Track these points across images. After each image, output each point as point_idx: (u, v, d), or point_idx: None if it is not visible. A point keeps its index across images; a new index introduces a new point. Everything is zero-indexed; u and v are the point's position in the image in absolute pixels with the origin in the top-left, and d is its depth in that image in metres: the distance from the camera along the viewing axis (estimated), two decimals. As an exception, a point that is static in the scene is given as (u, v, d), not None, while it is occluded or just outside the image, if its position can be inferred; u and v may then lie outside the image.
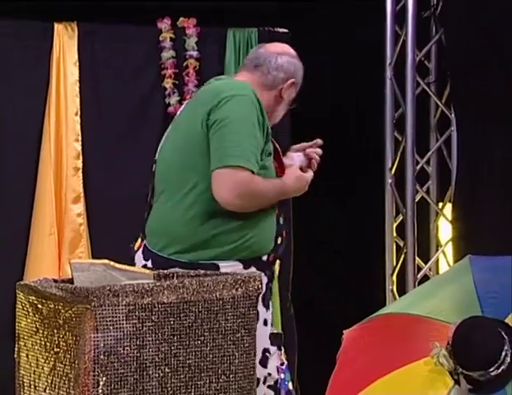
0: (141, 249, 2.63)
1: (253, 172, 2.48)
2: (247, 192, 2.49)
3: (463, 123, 4.31)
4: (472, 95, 4.17)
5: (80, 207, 4.08)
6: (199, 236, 2.54)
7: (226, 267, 2.53)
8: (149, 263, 2.60)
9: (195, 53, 4.33)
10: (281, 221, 2.66)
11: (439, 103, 4.53)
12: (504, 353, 2.64)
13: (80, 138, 4.14)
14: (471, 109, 4.20)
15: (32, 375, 2.27)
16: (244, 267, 2.56)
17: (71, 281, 2.37)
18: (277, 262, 2.70)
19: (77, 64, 4.16)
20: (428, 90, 4.52)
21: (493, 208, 4.06)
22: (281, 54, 2.68)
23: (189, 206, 2.54)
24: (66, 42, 4.15)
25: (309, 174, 2.72)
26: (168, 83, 4.28)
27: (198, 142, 2.52)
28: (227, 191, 2.46)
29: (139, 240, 2.66)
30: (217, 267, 2.52)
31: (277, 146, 2.70)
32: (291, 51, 2.73)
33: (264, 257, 2.64)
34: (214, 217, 2.53)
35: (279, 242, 2.67)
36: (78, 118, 4.15)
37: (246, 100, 2.52)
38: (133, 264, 2.60)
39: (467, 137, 4.28)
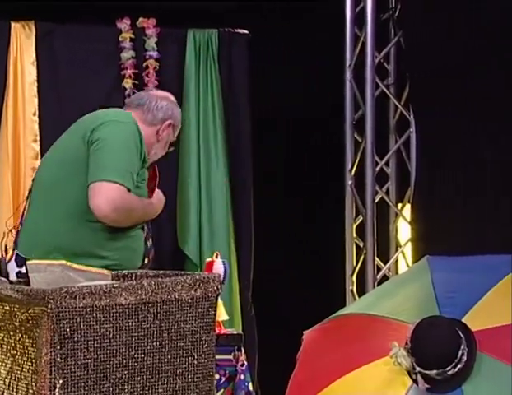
0: (13, 259, 2.67)
1: (128, 189, 2.62)
2: (122, 206, 2.60)
3: (422, 124, 4.34)
4: (430, 95, 4.21)
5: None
6: (71, 248, 2.61)
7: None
8: (23, 269, 2.63)
9: (155, 54, 4.32)
10: (149, 244, 2.78)
11: (398, 104, 4.56)
12: (460, 352, 2.66)
13: (38, 138, 4.10)
14: (429, 109, 4.23)
15: (-13, 378, 2.24)
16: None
17: (27, 282, 2.34)
18: None
19: (35, 64, 4.12)
20: (387, 91, 4.56)
21: (451, 209, 4.10)
22: (162, 99, 2.87)
23: (63, 218, 2.64)
24: (23, 41, 4.10)
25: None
26: (128, 83, 4.26)
27: (77, 157, 2.65)
28: (104, 203, 2.57)
29: (11, 251, 2.72)
30: None
31: (157, 172, 2.90)
32: (172, 98, 2.93)
33: None
34: (86, 230, 2.62)
35: (146, 262, 2.76)
36: (36, 118, 4.11)
37: (126, 127, 2.71)
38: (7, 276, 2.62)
39: (425, 138, 4.31)
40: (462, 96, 4.02)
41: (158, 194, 2.86)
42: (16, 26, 4.11)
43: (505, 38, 3.83)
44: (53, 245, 2.59)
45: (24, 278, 2.53)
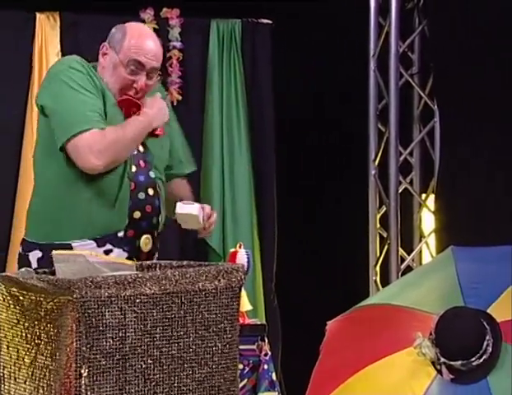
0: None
1: (102, 128, 2.60)
2: (103, 148, 2.60)
3: (446, 114, 4.32)
4: (454, 86, 4.18)
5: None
6: (50, 219, 2.67)
7: (79, 246, 2.62)
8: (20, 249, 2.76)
9: (178, 44, 4.32)
10: (142, 196, 2.70)
11: (422, 94, 4.54)
12: (485, 343, 2.65)
13: (63, 129, 4.12)
14: (453, 99, 4.21)
15: (12, 367, 2.26)
16: (98, 246, 2.65)
17: (52, 272, 2.36)
18: (144, 236, 2.71)
19: (60, 55, 4.14)
20: (411, 81, 4.53)
21: (475, 199, 4.08)
22: None
23: (37, 192, 2.73)
24: (48, 32, 4.13)
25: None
26: (151, 74, 4.26)
27: (41, 131, 2.73)
28: (85, 158, 2.60)
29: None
30: (71, 247, 2.61)
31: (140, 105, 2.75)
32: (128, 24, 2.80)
33: (120, 234, 2.67)
34: (58, 199, 2.66)
35: (137, 216, 2.69)
36: (61, 109, 4.13)
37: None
38: None
39: (449, 128, 4.29)
40: (485, 86, 3.99)
41: (150, 102, 2.71)
42: (41, 17, 4.14)
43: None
44: (29, 221, 2.74)
45: (44, 263, 2.55)
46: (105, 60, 2.73)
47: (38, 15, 4.14)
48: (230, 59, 4.39)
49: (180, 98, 4.27)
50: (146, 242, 2.71)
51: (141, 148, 2.74)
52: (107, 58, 2.73)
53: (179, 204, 2.72)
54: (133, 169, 2.70)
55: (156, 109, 2.72)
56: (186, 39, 4.34)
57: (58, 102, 2.64)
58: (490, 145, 3.98)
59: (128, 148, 2.66)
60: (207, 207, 2.75)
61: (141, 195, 2.69)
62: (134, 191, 2.69)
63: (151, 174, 2.74)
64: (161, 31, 4.30)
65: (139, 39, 2.71)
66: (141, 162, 2.72)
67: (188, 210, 2.70)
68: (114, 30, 2.76)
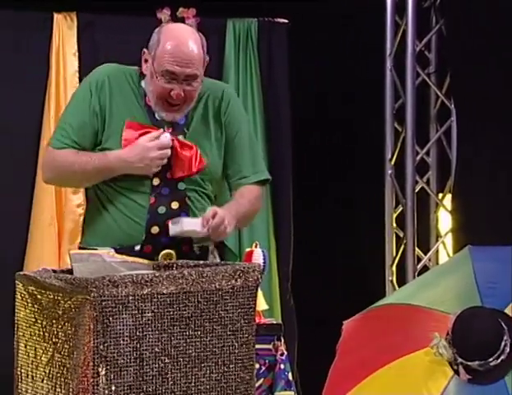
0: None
1: (59, 147, 2.54)
2: (45, 164, 2.60)
3: (463, 114, 4.30)
4: (471, 85, 4.17)
5: (80, 198, 4.07)
6: (85, 228, 2.69)
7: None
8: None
9: (195, 44, 4.32)
10: (162, 211, 2.56)
11: (439, 93, 4.52)
12: (503, 343, 2.64)
13: (79, 129, 4.14)
14: (470, 99, 4.19)
15: (30, 365, 2.27)
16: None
17: (70, 271, 2.37)
18: (164, 252, 2.57)
19: (77, 55, 4.16)
20: (428, 80, 4.51)
21: (493, 199, 4.06)
22: None
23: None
24: (65, 32, 4.14)
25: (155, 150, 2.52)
26: (167, 74, 4.27)
27: None
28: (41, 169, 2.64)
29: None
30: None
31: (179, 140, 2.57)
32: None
33: (137, 247, 2.57)
34: (88, 208, 2.68)
35: (154, 232, 2.56)
36: (78, 109, 4.14)
37: (83, 83, 2.64)
38: None
39: (466, 127, 4.27)
40: (503, 87, 3.98)
41: (134, 147, 2.48)
42: (58, 17, 4.15)
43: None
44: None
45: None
46: (145, 67, 2.62)
47: (55, 15, 4.16)
48: (247, 59, 4.39)
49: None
50: (166, 258, 2.58)
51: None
52: (147, 65, 2.62)
53: (169, 226, 2.50)
54: (155, 182, 2.56)
55: (135, 157, 2.50)
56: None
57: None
58: (492, 144, 3.98)
59: (78, 177, 2.55)
60: (209, 212, 2.50)
61: (162, 209, 2.55)
62: (154, 205, 2.55)
63: (180, 187, 2.57)
64: (178, 31, 4.31)
65: (172, 45, 2.57)
66: (169, 173, 2.57)
67: (177, 229, 2.48)
68: (154, 33, 2.66)
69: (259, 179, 2.67)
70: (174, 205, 2.56)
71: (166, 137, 2.52)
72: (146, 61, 2.62)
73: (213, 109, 2.63)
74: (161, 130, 2.55)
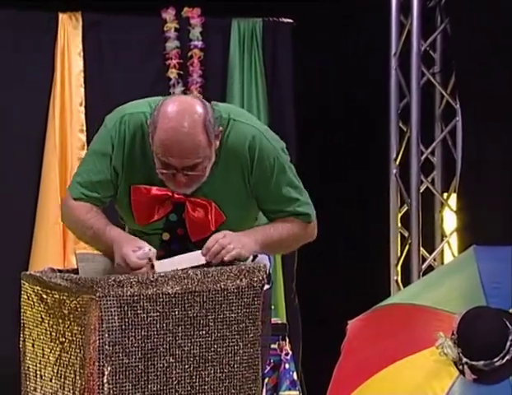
0: None
1: (76, 198, 2.41)
2: (62, 206, 2.48)
3: (468, 113, 4.30)
4: (477, 85, 4.16)
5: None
6: None
7: None
8: None
9: (200, 44, 4.33)
10: (173, 218, 2.40)
11: (444, 93, 4.52)
12: (508, 343, 2.64)
13: (85, 129, 4.14)
14: (476, 99, 4.19)
15: (38, 365, 2.28)
16: None
17: (75, 271, 2.38)
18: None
19: (82, 54, 4.16)
20: (433, 80, 4.51)
21: (498, 198, 4.06)
22: None
23: None
24: (70, 32, 4.15)
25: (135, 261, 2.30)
26: (172, 73, 4.28)
27: None
28: None
29: None
30: None
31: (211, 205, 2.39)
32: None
33: None
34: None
35: (165, 238, 2.42)
36: (83, 109, 4.16)
37: (102, 130, 2.45)
38: None
39: (471, 127, 4.27)
40: (509, 87, 3.98)
41: (119, 250, 2.27)
42: (63, 17, 4.16)
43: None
44: None
45: None
46: (151, 139, 2.34)
47: (60, 15, 4.16)
48: (251, 58, 4.40)
49: (201, 97, 4.28)
50: None
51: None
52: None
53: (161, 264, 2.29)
54: (165, 237, 2.41)
55: (116, 254, 2.33)
56: (207, 39, 4.34)
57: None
58: (497, 144, 3.98)
59: (79, 236, 2.44)
60: (210, 241, 2.31)
61: (173, 216, 2.39)
62: (163, 258, 2.34)
63: (190, 246, 2.38)
64: (182, 30, 4.32)
65: (166, 136, 2.27)
66: (180, 230, 2.40)
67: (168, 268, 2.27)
68: (156, 107, 2.33)
69: (300, 213, 2.46)
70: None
71: (144, 251, 2.29)
72: (150, 134, 2.35)
73: (236, 166, 2.39)
74: (146, 249, 2.31)
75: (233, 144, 2.37)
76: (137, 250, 2.29)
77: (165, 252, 2.39)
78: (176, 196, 2.36)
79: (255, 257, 2.46)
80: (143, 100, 2.42)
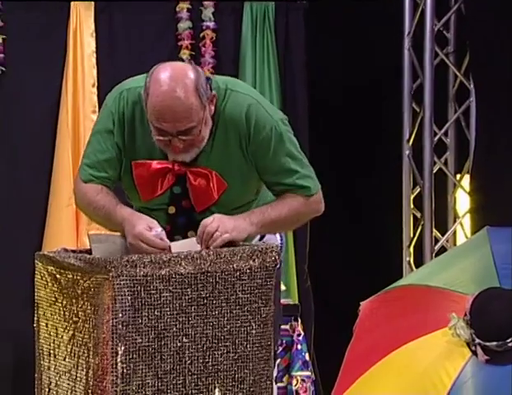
0: None
1: (86, 180, 2.42)
2: (74, 190, 2.49)
3: (482, 94, 4.27)
4: (490, 64, 4.13)
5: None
6: None
7: None
8: None
9: (212, 24, 4.31)
10: (177, 190, 2.40)
11: (458, 73, 4.48)
12: (521, 324, 2.63)
13: (97, 110, 4.15)
14: (489, 78, 4.16)
15: (52, 344, 2.29)
16: None
17: (89, 251, 2.39)
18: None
19: (94, 35, 4.16)
20: (447, 60, 4.48)
21: (510, 179, 4.04)
22: None
23: None
24: (82, 13, 4.14)
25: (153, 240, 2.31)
26: (185, 54, 4.27)
27: None
28: None
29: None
30: None
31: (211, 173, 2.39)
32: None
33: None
34: None
35: (171, 212, 2.42)
36: (95, 90, 4.15)
37: (103, 109, 2.47)
38: None
39: (485, 108, 4.24)
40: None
41: (132, 230, 2.29)
42: (75, -2, 4.16)
43: None
44: None
45: None
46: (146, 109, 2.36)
47: (72, -2, 4.16)
48: (264, 40, 4.38)
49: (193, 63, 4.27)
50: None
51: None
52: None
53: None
54: (171, 211, 2.42)
55: (128, 232, 2.33)
56: (219, 20, 4.33)
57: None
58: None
59: (92, 216, 2.46)
60: (200, 228, 2.31)
61: (178, 238, 2.40)
62: (169, 233, 2.39)
63: (195, 216, 2.41)
64: (195, 11, 4.31)
65: (157, 101, 2.28)
66: (186, 202, 2.41)
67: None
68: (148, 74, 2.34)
69: (300, 186, 2.44)
70: (191, 234, 2.42)
71: (157, 231, 2.32)
72: (144, 103, 2.36)
73: (234, 135, 2.39)
74: (158, 229, 2.33)
75: (230, 113, 2.37)
76: (149, 230, 2.30)
77: (172, 226, 2.41)
78: (177, 168, 2.38)
79: (262, 237, 2.47)
80: (142, 75, 2.42)
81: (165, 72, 2.30)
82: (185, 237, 2.40)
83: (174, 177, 2.38)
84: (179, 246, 2.31)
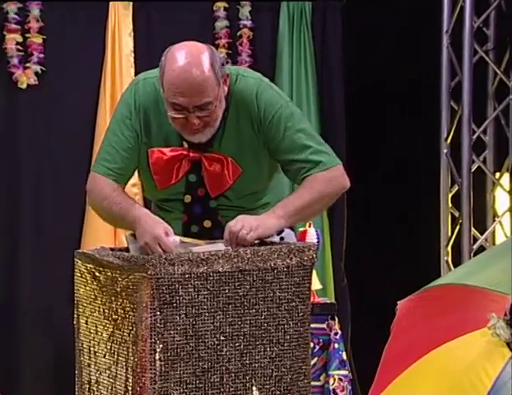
0: None
1: (106, 174, 2.43)
2: (88, 186, 2.49)
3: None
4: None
5: (135, 178, 4.10)
6: None
7: None
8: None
9: (249, 23, 4.32)
10: (194, 230, 2.45)
11: (497, 70, 4.44)
12: (562, 324, 2.60)
13: (135, 109, 4.17)
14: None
15: (91, 341, 2.31)
16: None
17: (127, 249, 2.41)
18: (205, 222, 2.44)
19: (132, 35, 4.19)
20: (486, 57, 4.43)
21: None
22: None
23: None
24: (121, 13, 4.17)
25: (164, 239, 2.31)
26: (222, 53, 4.28)
27: None
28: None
29: None
30: None
31: (227, 158, 2.40)
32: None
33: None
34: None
35: (187, 201, 2.43)
36: (133, 89, 4.18)
37: (120, 101, 2.48)
38: None
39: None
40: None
41: (144, 229, 2.31)
42: (114, -2, 4.19)
43: None
44: None
45: None
46: (162, 91, 2.37)
47: (111, -3, 4.19)
48: (301, 37, 4.37)
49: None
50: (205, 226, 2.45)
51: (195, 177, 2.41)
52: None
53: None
54: (187, 199, 2.43)
55: (142, 231, 2.33)
56: (256, 18, 4.33)
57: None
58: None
59: (104, 213, 2.45)
60: (226, 231, 2.32)
61: (194, 228, 2.44)
62: (186, 223, 2.43)
63: (211, 204, 2.43)
64: (232, 10, 4.32)
65: (173, 75, 2.29)
66: (200, 191, 2.43)
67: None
68: (162, 56, 2.37)
69: (314, 161, 2.41)
70: (207, 223, 2.44)
71: (174, 239, 2.32)
72: (160, 85, 2.38)
73: (246, 118, 2.41)
74: (176, 238, 2.33)
75: (241, 96, 2.40)
76: (166, 235, 2.30)
77: (188, 216, 2.43)
78: (192, 154, 2.39)
79: (280, 232, 2.44)
80: (157, 68, 2.43)
81: (180, 50, 2.34)
82: (202, 227, 2.43)
83: (189, 163, 2.40)
84: (204, 250, 2.30)
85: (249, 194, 2.45)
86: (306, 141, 2.42)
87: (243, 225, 2.31)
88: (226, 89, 2.38)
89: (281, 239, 2.44)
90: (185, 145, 2.40)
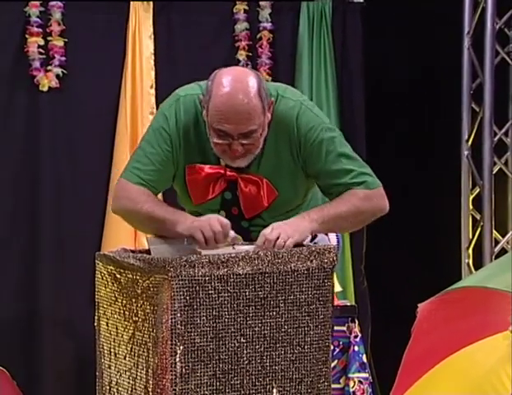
0: None
1: (139, 183, 2.41)
2: (117, 193, 2.44)
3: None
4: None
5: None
6: None
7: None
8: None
9: (269, 25, 4.32)
10: (228, 196, 2.42)
11: (519, 72, 4.41)
12: None
13: (154, 111, 4.19)
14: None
15: (112, 343, 2.32)
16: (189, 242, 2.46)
17: (148, 252, 2.41)
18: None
19: (152, 37, 4.20)
20: (508, 58, 4.40)
21: None
22: None
23: None
24: (141, 16, 4.19)
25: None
26: (242, 55, 4.28)
27: None
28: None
29: None
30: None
31: (263, 181, 2.40)
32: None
33: None
34: None
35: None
36: (153, 91, 4.20)
37: (157, 116, 2.47)
38: None
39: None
40: None
41: (189, 223, 2.31)
42: (134, 1, 4.20)
43: None
44: None
45: None
46: (204, 113, 2.37)
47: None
48: (321, 40, 4.37)
49: (270, 79, 4.28)
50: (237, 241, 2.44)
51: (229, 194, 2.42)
52: (204, 112, 2.38)
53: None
54: (222, 215, 2.41)
55: (191, 220, 2.34)
56: (276, 20, 4.33)
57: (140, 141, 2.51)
58: None
59: (141, 218, 2.39)
60: (260, 238, 2.31)
61: (227, 195, 2.43)
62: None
63: (243, 224, 2.44)
64: (252, 12, 4.32)
65: (221, 101, 2.29)
66: (234, 209, 2.44)
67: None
68: (209, 78, 2.35)
69: (357, 183, 2.40)
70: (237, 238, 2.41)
71: (231, 233, 2.36)
72: (203, 107, 2.37)
73: (285, 141, 2.40)
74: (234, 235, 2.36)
75: (281, 118, 2.40)
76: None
77: None
78: (228, 173, 2.39)
79: (314, 237, 2.45)
80: (195, 83, 2.44)
81: (228, 75, 2.32)
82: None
83: (225, 182, 2.40)
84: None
85: (283, 213, 2.45)
86: (348, 166, 2.41)
87: (279, 232, 2.30)
88: (270, 116, 2.36)
89: (315, 244, 2.43)
90: (222, 163, 2.40)
